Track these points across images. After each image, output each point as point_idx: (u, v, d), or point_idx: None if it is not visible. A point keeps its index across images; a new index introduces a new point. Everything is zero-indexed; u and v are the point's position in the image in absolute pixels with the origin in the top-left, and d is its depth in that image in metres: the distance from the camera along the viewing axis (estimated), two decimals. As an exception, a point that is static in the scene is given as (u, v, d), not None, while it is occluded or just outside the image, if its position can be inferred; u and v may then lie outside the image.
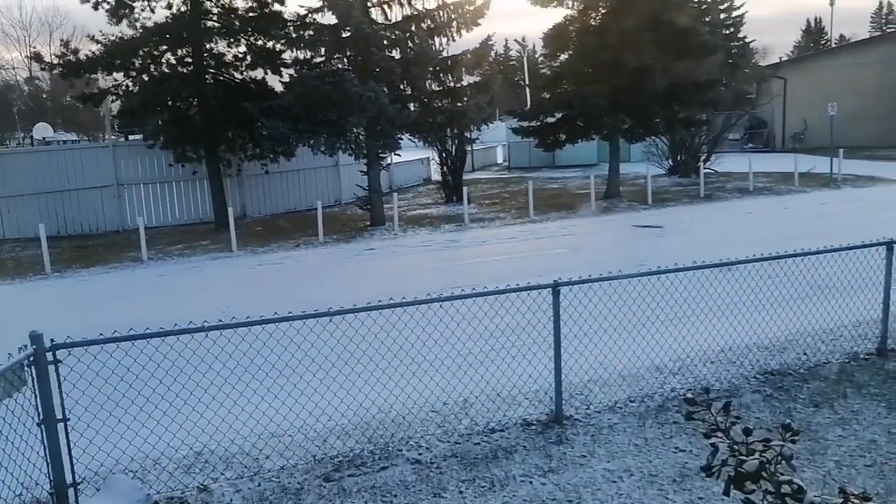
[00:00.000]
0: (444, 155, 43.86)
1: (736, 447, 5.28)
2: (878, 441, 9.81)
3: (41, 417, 8.37)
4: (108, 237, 36.39)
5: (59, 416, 8.49)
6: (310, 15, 34.37)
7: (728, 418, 5.44)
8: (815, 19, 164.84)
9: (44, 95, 77.36)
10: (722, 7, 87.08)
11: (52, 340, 8.38)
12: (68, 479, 8.72)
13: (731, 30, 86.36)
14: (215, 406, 10.44)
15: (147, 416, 10.08)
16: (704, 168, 44.12)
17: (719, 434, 5.38)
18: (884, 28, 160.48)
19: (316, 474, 9.70)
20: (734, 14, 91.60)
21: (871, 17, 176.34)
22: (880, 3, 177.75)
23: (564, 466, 9.56)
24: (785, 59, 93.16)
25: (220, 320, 9.46)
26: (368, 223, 35.07)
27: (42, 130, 59.16)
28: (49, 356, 8.35)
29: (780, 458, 5.19)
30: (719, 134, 52.41)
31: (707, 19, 67.12)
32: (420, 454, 10.11)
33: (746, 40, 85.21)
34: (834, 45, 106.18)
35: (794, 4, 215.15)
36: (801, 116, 66.81)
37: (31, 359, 8.22)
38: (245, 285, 24.23)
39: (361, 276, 24.80)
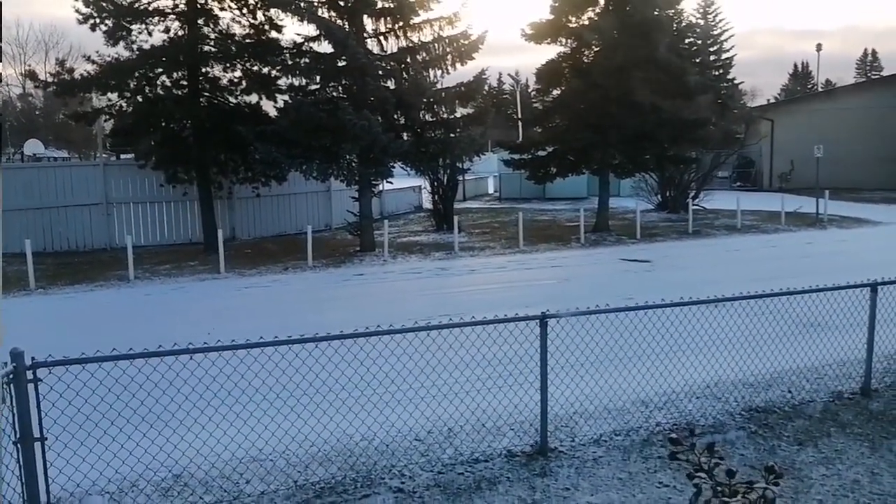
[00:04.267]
0: (435, 184, 44.24)
1: (719, 488, 5.43)
2: (861, 481, 9.91)
3: (18, 436, 8.27)
4: (95, 255, 36.29)
5: (36, 434, 8.41)
6: (306, 43, 34.61)
7: (712, 458, 5.57)
8: (803, 64, 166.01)
9: (36, 112, 77.16)
10: (712, 49, 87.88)
11: (32, 358, 8.36)
12: (43, 499, 8.70)
13: (721, 71, 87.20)
14: (196, 428, 10.53)
15: (126, 437, 10.14)
16: (693, 205, 44.46)
17: (703, 474, 5.51)
18: (868, 74, 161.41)
19: (297, 500, 9.72)
20: (723, 56, 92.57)
21: (857, 63, 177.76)
22: (865, 50, 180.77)
23: (548, 499, 9.61)
24: (773, 101, 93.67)
25: (205, 342, 9.58)
26: (358, 249, 35.12)
27: (33, 147, 59.03)
28: (29, 374, 8.30)
29: (763, 500, 5.36)
30: (708, 172, 52.80)
31: (697, 60, 67.67)
32: (403, 483, 10.12)
33: (735, 81, 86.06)
34: (820, 90, 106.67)
35: (781, 49, 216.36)
36: (787, 157, 67.31)
37: (11, 376, 8.13)
38: (231, 308, 24.18)
39: (349, 302, 24.79)
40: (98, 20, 34.05)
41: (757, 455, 10.73)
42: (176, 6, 35.09)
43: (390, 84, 34.48)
